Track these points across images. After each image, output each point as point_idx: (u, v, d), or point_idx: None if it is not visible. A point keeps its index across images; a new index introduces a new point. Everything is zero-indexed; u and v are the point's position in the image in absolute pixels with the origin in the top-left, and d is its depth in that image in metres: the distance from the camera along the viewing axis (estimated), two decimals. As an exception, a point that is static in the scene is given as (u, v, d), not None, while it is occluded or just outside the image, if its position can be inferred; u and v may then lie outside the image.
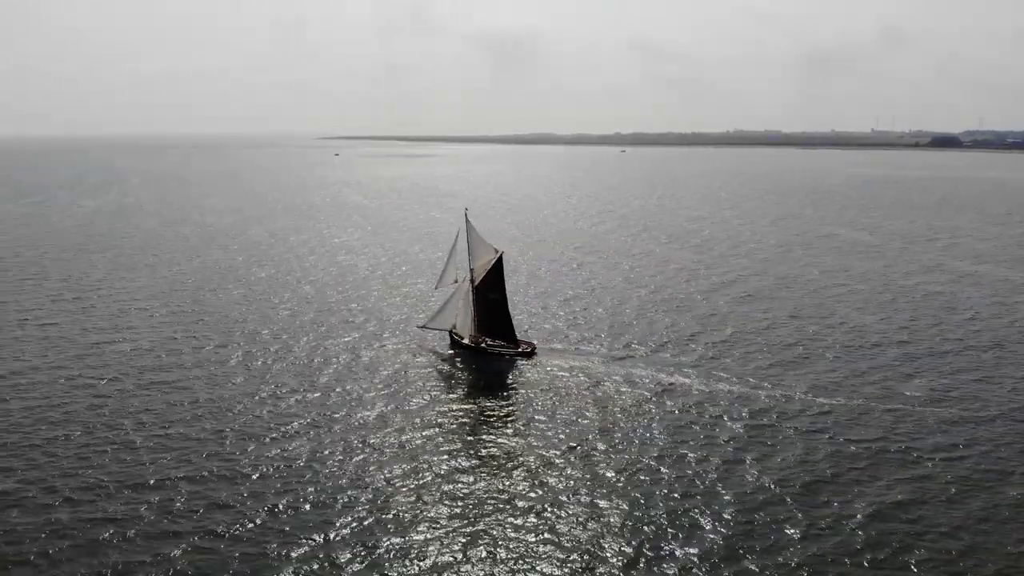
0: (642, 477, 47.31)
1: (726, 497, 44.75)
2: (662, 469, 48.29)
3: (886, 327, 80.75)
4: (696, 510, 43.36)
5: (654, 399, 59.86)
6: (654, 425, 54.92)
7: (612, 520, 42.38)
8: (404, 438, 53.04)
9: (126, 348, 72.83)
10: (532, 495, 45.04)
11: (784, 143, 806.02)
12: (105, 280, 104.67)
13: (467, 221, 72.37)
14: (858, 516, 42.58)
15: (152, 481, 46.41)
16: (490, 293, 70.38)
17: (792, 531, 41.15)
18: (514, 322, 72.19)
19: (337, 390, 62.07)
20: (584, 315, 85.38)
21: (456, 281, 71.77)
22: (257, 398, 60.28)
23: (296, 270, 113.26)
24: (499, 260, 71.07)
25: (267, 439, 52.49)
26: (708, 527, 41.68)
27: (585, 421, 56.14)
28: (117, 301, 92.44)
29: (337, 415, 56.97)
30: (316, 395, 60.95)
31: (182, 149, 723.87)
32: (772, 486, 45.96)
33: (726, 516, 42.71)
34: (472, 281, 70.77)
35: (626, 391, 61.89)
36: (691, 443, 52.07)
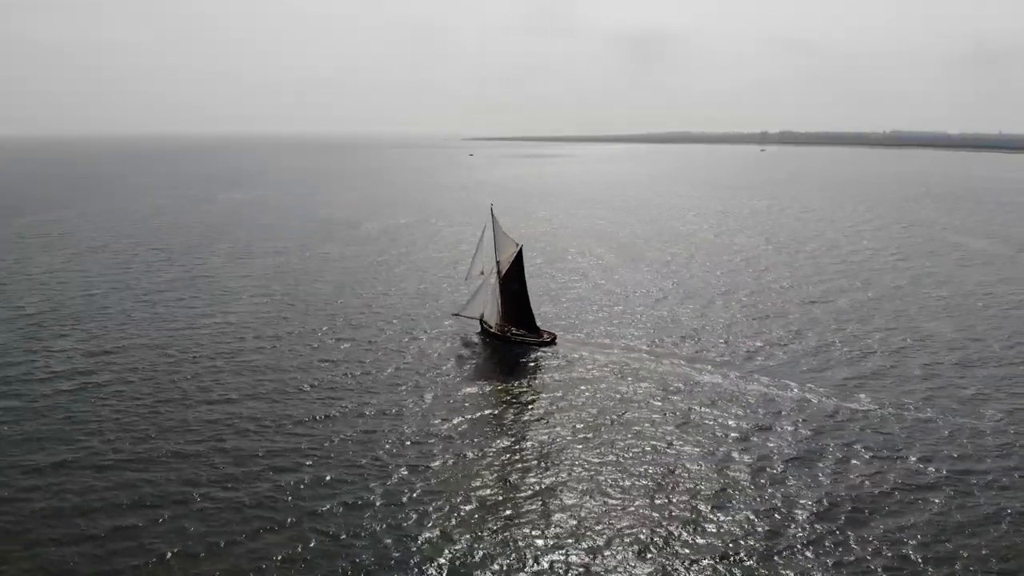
0: (647, 471, 47.74)
1: (735, 499, 44.57)
2: (666, 465, 48.50)
3: (970, 343, 75.90)
4: (697, 506, 43.53)
5: (687, 398, 59.49)
6: (675, 421, 54.92)
7: (617, 509, 43.26)
8: (426, 420, 55.90)
9: (216, 331, 79.14)
10: (539, 480, 46.47)
11: (945, 145, 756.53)
12: (221, 267, 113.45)
13: (492, 216, 75.72)
14: (874, 532, 41.54)
15: (182, 451, 51.09)
16: (513, 284, 73.31)
17: (803, 542, 40.66)
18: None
19: (384, 372, 66.16)
20: (649, 314, 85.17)
21: (483, 273, 75.18)
22: (314, 375, 65.15)
23: (398, 263, 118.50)
24: (519, 253, 74.32)
25: (314, 415, 56.49)
26: (708, 525, 41.79)
27: (596, 411, 57.61)
28: (224, 287, 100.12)
29: (374, 400, 60.32)
30: (367, 375, 65.05)
31: (342, 149, 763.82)
32: (794, 494, 45.26)
33: (736, 517, 42.67)
34: (498, 273, 74.00)
35: (646, 386, 62.97)
36: (699, 440, 52.05)
